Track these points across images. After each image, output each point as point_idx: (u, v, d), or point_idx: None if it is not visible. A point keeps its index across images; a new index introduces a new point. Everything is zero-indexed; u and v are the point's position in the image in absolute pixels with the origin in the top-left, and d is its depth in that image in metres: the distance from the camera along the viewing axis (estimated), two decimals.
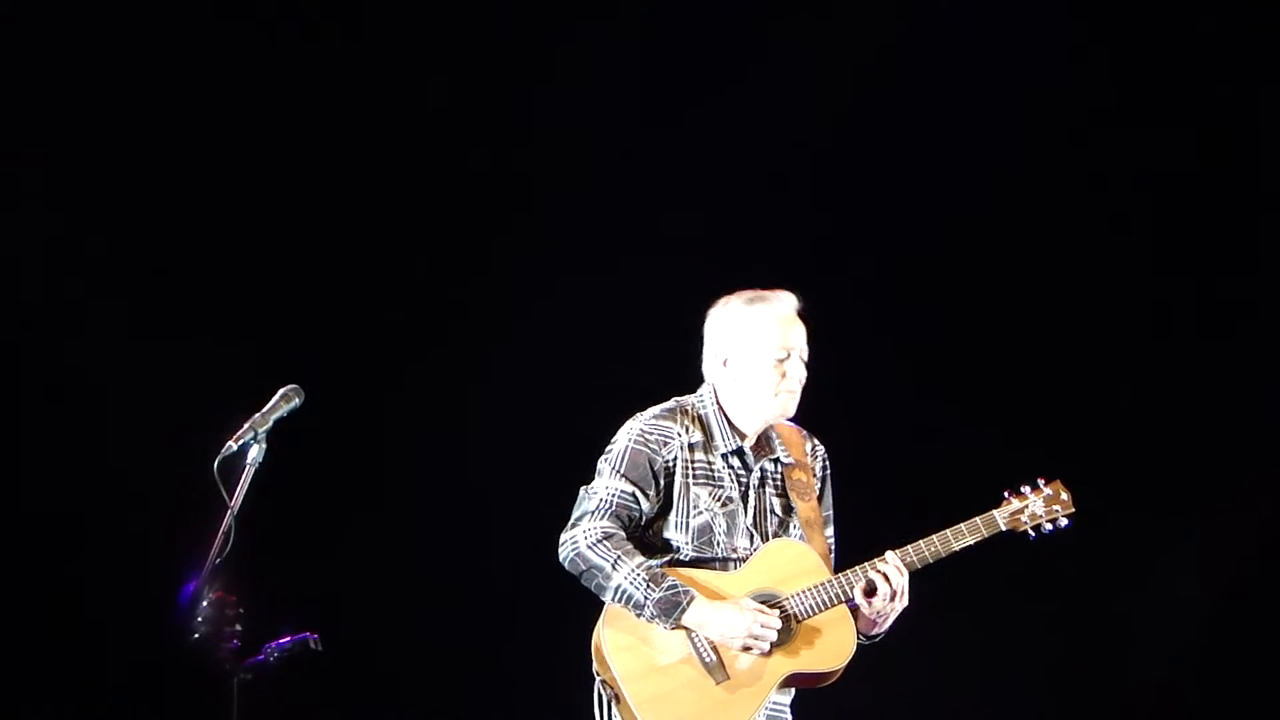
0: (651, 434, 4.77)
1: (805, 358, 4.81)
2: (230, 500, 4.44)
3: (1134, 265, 7.20)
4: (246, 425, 4.52)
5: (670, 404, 4.86)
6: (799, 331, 4.83)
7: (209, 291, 6.91)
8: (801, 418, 4.90)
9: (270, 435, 4.53)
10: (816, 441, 4.98)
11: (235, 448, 4.49)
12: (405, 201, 7.11)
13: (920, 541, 4.72)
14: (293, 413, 4.60)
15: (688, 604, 4.57)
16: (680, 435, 4.78)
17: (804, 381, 4.81)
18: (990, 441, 6.80)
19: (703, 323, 4.92)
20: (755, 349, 4.79)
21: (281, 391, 4.61)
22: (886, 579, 4.67)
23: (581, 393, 6.59)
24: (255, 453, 4.50)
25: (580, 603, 4.79)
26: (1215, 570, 7.09)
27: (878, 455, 6.70)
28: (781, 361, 4.78)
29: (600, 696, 4.63)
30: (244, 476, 4.48)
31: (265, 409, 4.57)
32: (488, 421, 7.03)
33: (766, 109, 7.15)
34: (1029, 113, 7.13)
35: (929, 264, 7.13)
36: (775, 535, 4.81)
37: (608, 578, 4.61)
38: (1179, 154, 7.12)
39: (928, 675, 7.06)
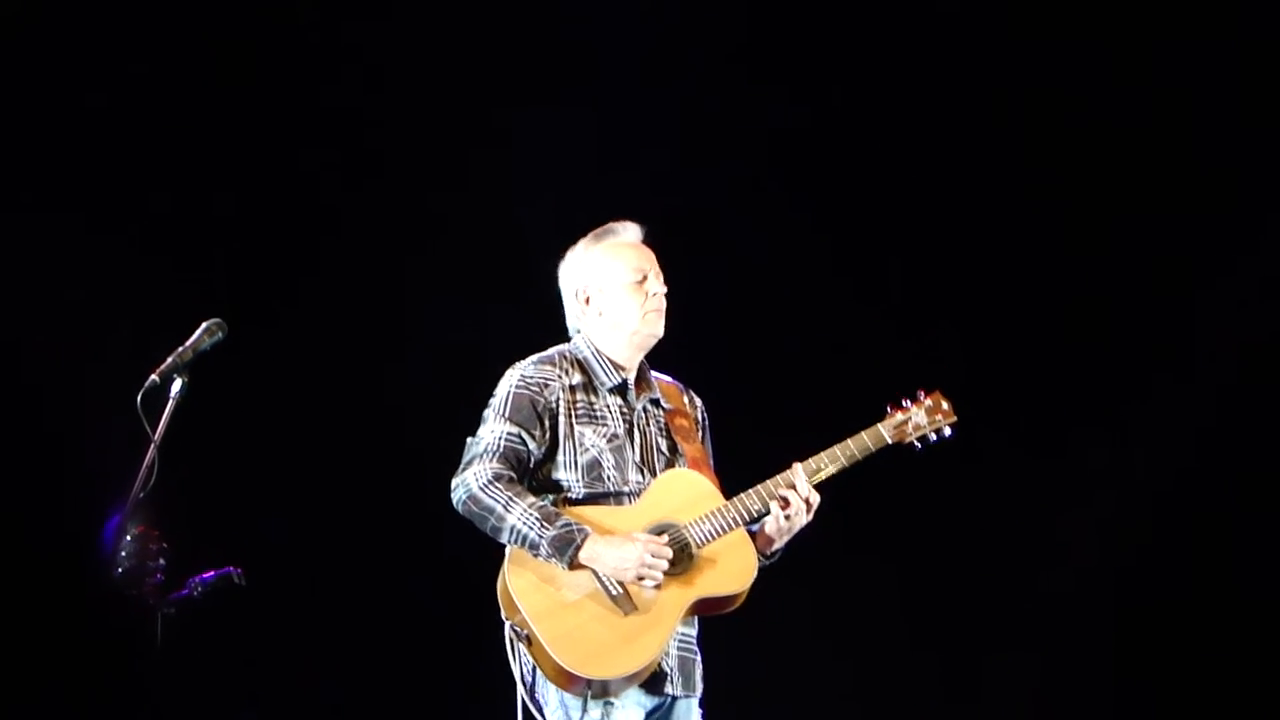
0: (532, 378, 4.83)
1: (661, 278, 4.92)
2: (153, 434, 4.45)
3: None
4: (169, 359, 4.53)
5: (548, 352, 4.93)
6: (649, 254, 4.94)
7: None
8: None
9: (193, 369, 4.54)
10: (694, 394, 5.08)
11: (158, 381, 4.49)
12: None
13: (811, 459, 4.78)
14: (215, 346, 4.60)
15: (582, 541, 4.60)
16: (560, 378, 4.84)
17: (665, 300, 4.89)
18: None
19: (556, 283, 5.01)
20: (613, 276, 4.90)
21: (204, 325, 4.61)
22: (785, 500, 4.73)
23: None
24: (178, 386, 4.51)
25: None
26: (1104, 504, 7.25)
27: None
28: (640, 283, 4.89)
29: (512, 641, 4.64)
30: (167, 410, 4.48)
31: (188, 343, 4.57)
32: (411, 349, 7.04)
33: None
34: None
35: None
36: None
37: (501, 519, 4.64)
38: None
39: (840, 604, 7.16)
